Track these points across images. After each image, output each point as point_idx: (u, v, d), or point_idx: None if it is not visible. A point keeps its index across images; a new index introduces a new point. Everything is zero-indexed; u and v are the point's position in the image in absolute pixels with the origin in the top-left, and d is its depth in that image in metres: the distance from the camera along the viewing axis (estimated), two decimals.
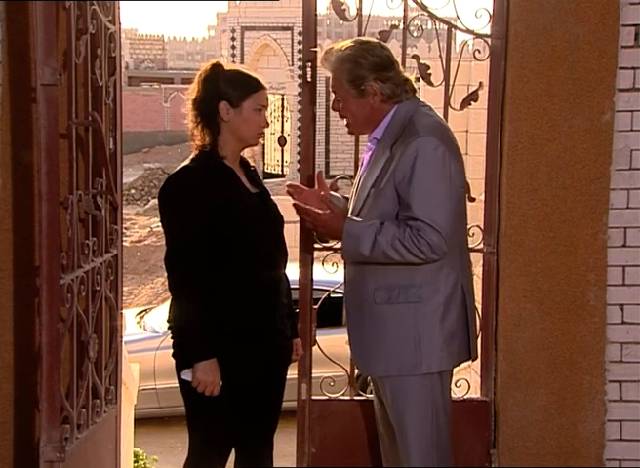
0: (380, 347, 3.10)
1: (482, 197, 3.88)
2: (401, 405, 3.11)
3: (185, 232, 3.06)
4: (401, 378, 3.09)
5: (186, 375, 3.11)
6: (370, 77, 3.04)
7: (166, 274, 3.13)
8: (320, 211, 3.07)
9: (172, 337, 3.18)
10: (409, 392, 3.09)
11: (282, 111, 25.43)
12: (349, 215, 3.14)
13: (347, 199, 3.28)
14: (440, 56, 3.86)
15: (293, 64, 24.28)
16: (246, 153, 3.32)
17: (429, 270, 3.03)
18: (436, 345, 3.07)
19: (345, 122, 3.17)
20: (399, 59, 3.80)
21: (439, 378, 3.11)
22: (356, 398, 3.97)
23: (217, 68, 3.15)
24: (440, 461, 3.13)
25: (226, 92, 3.11)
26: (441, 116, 3.20)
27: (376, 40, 3.22)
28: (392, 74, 3.07)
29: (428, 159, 2.95)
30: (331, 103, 3.19)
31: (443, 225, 2.93)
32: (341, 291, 3.29)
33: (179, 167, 3.16)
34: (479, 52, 3.84)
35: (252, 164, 3.36)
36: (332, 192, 3.38)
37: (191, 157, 3.16)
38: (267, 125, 3.20)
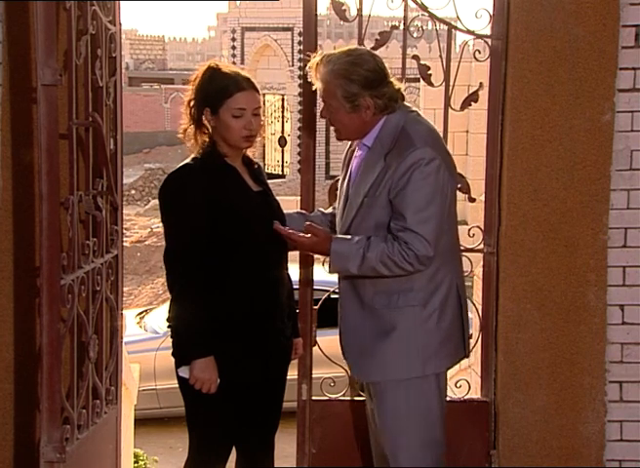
0: (380, 352, 3.11)
1: (482, 197, 3.88)
2: (397, 407, 3.12)
3: (186, 230, 3.05)
4: (398, 382, 3.10)
5: (183, 372, 3.11)
6: (364, 93, 3.02)
7: (165, 273, 3.13)
8: (302, 234, 3.09)
9: (171, 336, 3.18)
10: (405, 394, 3.10)
11: (282, 112, 25.44)
12: (338, 223, 3.17)
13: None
14: (440, 56, 3.85)
15: (293, 65, 24.30)
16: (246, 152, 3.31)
17: (427, 274, 3.05)
18: (434, 347, 3.09)
19: (333, 128, 3.17)
20: (399, 60, 3.83)
21: (435, 380, 3.12)
22: (356, 398, 3.97)
23: (208, 72, 3.13)
24: (433, 463, 3.13)
25: (207, 99, 3.09)
26: (429, 119, 3.17)
27: (366, 49, 3.18)
28: (386, 89, 3.04)
29: (424, 171, 2.96)
30: (319, 111, 3.18)
31: (431, 234, 2.96)
32: None
33: (179, 165, 3.16)
34: (479, 52, 3.84)
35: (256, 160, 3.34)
36: (321, 210, 3.46)
37: (192, 155, 3.16)
38: (253, 128, 3.10)
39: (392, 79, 3.09)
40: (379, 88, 3.03)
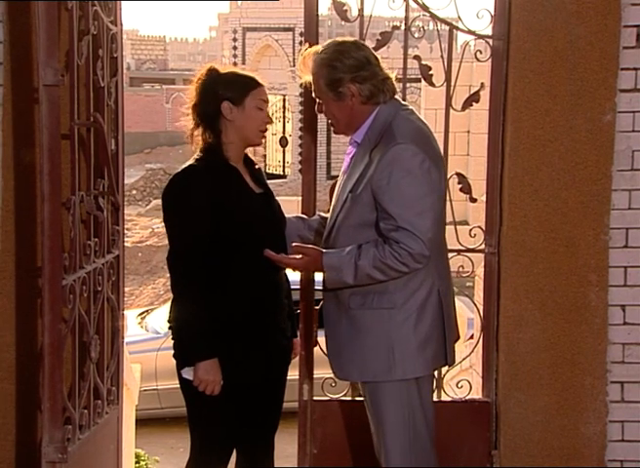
0: (355, 352, 3.10)
1: (483, 198, 3.88)
2: (378, 409, 3.12)
3: (189, 231, 3.06)
4: (376, 384, 3.10)
5: (187, 374, 3.11)
6: (346, 79, 3.01)
7: (168, 274, 3.14)
8: (293, 256, 3.08)
9: (172, 337, 3.18)
10: (384, 397, 3.09)
11: (283, 112, 25.45)
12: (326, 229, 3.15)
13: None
14: (442, 56, 3.85)
15: (294, 65, 24.27)
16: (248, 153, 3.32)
17: (404, 276, 3.00)
18: (410, 351, 3.05)
19: (330, 122, 3.18)
20: (401, 61, 3.83)
21: (415, 384, 3.09)
22: (357, 399, 3.96)
23: (212, 72, 3.17)
24: (419, 464, 3.12)
25: (227, 92, 3.12)
26: (425, 119, 3.15)
27: (352, 40, 3.18)
28: (369, 73, 3.03)
29: (406, 166, 2.92)
30: (315, 107, 3.19)
31: (424, 231, 2.91)
32: None
33: (183, 166, 3.16)
34: (481, 52, 3.84)
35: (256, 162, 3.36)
36: (319, 212, 3.44)
37: (195, 156, 3.17)
38: (271, 121, 3.22)
39: (383, 70, 3.07)
40: (360, 72, 3.02)
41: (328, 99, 3.08)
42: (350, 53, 3.04)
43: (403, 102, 3.18)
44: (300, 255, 3.06)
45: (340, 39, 3.14)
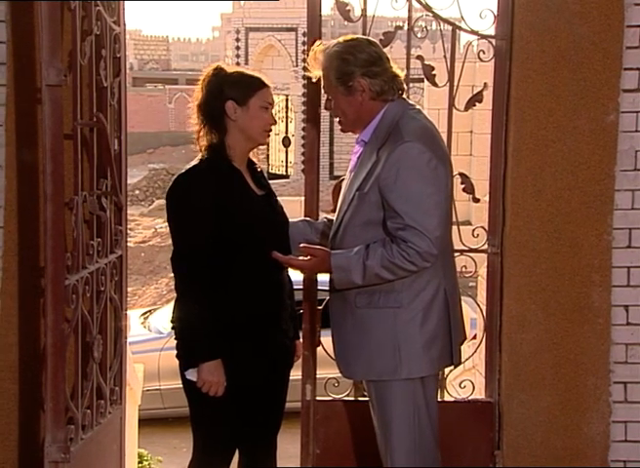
0: (361, 351, 3.10)
1: (486, 198, 3.88)
2: (383, 408, 3.11)
3: (192, 232, 3.06)
4: (382, 383, 3.09)
5: (191, 375, 3.11)
6: (357, 73, 3.01)
7: (172, 274, 3.14)
8: (302, 257, 3.09)
9: (176, 338, 3.18)
10: (390, 396, 3.09)
11: (286, 112, 25.47)
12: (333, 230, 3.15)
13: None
14: (444, 56, 3.85)
15: (297, 65, 24.32)
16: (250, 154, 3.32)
17: (411, 275, 3.00)
18: (416, 350, 3.05)
19: (337, 120, 3.17)
20: (403, 61, 3.83)
21: (421, 383, 3.09)
22: (360, 399, 3.96)
23: (219, 71, 3.17)
24: (424, 464, 3.12)
25: (232, 92, 3.12)
26: (430, 119, 3.14)
27: (364, 37, 3.20)
28: (380, 69, 3.03)
29: (413, 164, 2.93)
30: (323, 103, 3.19)
31: (431, 229, 2.91)
32: None
33: (187, 166, 3.16)
34: (483, 52, 3.83)
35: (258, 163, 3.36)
36: (325, 215, 3.43)
37: (199, 157, 3.17)
38: (275, 122, 3.22)
39: (393, 68, 3.07)
40: (372, 68, 3.02)
41: (337, 94, 3.07)
42: (363, 47, 3.05)
43: (410, 102, 3.18)
44: (309, 257, 3.06)
45: (351, 36, 3.15)
